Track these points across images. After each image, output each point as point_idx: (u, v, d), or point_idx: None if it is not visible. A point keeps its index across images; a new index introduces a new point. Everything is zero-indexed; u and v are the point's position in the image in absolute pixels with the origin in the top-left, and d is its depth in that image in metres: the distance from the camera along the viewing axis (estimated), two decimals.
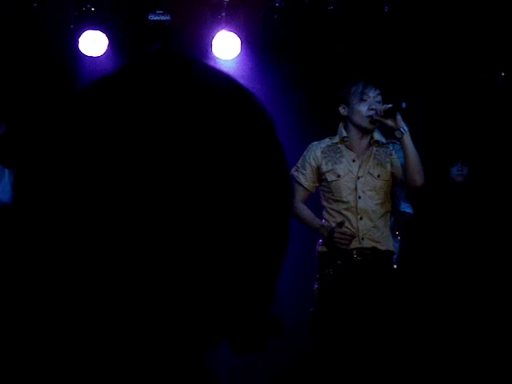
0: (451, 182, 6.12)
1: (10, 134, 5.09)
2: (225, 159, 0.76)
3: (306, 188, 4.79)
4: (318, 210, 4.90)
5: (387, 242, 4.70)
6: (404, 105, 4.54)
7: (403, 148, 4.57)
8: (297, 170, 4.83)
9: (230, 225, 0.76)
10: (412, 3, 6.26)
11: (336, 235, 4.56)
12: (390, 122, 4.57)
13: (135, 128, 0.76)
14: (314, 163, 4.78)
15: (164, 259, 0.75)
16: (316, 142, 4.87)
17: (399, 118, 4.53)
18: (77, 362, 0.78)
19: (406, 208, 5.35)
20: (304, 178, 4.79)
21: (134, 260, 0.75)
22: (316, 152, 4.80)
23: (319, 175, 4.78)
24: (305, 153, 4.85)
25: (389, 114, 4.55)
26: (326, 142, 4.84)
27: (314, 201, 4.93)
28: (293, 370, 5.90)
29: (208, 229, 0.75)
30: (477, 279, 5.77)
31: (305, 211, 4.78)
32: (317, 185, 4.82)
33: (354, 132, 4.75)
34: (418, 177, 4.56)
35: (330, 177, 4.73)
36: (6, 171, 4.99)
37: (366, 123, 4.66)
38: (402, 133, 4.54)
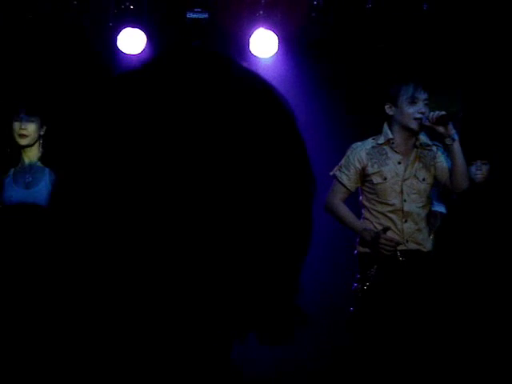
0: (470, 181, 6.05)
1: (51, 134, 5.14)
2: (246, 155, 0.77)
3: (348, 189, 4.75)
4: (354, 202, 4.89)
5: (428, 244, 4.70)
6: (460, 114, 4.55)
7: (452, 154, 4.57)
8: (339, 170, 4.79)
9: (252, 218, 0.77)
10: (451, 2, 6.20)
11: (382, 241, 4.53)
12: (441, 129, 4.54)
13: (160, 124, 0.77)
14: (358, 165, 4.74)
15: (188, 253, 0.76)
16: (360, 143, 4.82)
17: (451, 125, 4.52)
18: (93, 359, 0.78)
19: (440, 208, 5.32)
20: (347, 178, 4.75)
21: (158, 253, 0.76)
22: (361, 153, 4.75)
23: (363, 176, 4.74)
24: (348, 153, 4.80)
25: (441, 121, 4.52)
26: (371, 142, 4.80)
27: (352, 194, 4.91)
28: (326, 369, 5.88)
29: (230, 222, 0.76)
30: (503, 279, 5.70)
31: (346, 211, 4.74)
32: (358, 185, 4.79)
33: (399, 133, 4.71)
34: (464, 182, 4.61)
35: (376, 179, 4.69)
36: (47, 171, 5.04)
37: (414, 125, 4.63)
38: (453, 139, 4.54)
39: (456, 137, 4.54)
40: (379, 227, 4.60)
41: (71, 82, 6.29)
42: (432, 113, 4.55)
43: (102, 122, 0.79)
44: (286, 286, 0.82)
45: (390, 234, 4.58)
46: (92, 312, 0.77)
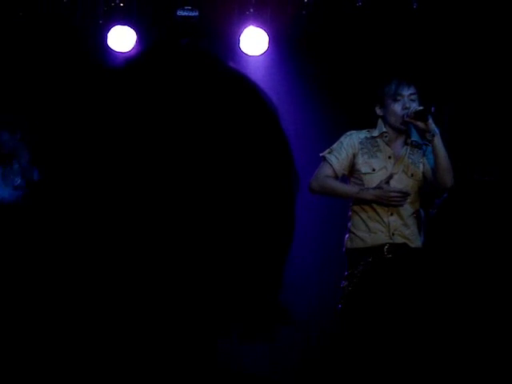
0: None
1: (37, 132, 5.12)
2: (228, 154, 0.78)
3: (335, 171, 4.72)
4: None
5: (417, 240, 4.70)
6: (433, 109, 4.53)
7: (434, 150, 4.57)
8: (330, 153, 4.76)
9: (234, 215, 0.78)
10: (441, 0, 6.21)
11: (392, 194, 4.55)
12: (420, 124, 4.56)
13: (143, 123, 0.78)
14: (350, 150, 4.74)
15: (171, 250, 0.76)
16: (355, 132, 4.83)
17: (430, 120, 4.52)
18: (79, 359, 0.79)
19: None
20: (337, 161, 4.73)
21: (142, 253, 0.76)
22: (354, 141, 4.76)
23: (352, 164, 4.75)
24: (341, 138, 4.80)
25: (419, 116, 4.54)
26: (365, 133, 4.81)
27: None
28: (316, 367, 5.89)
29: (213, 219, 0.77)
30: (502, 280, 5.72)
31: (335, 181, 4.73)
32: (345, 173, 4.77)
33: (390, 130, 4.74)
34: (447, 178, 4.59)
35: (365, 169, 4.70)
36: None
37: (399, 122, 4.65)
38: (433, 135, 4.53)
39: (437, 132, 4.54)
40: (366, 219, 4.62)
41: (59, 78, 6.28)
42: (410, 108, 4.58)
43: (84, 119, 0.80)
44: (269, 283, 0.82)
45: (376, 225, 4.60)
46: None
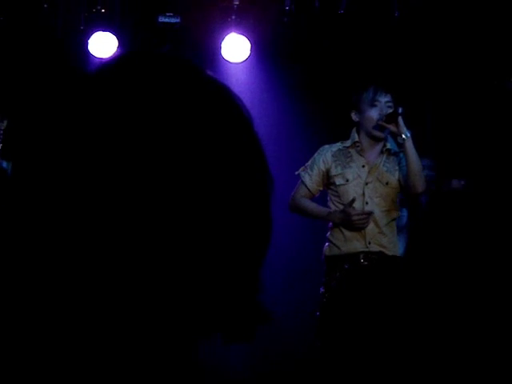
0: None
1: (12, 129, 5.11)
2: (200, 160, 0.78)
3: (309, 190, 4.79)
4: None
5: (394, 248, 4.71)
6: (400, 110, 4.56)
7: (405, 153, 4.59)
8: (304, 170, 4.83)
9: (210, 218, 0.78)
10: (422, 8, 6.25)
11: (355, 218, 4.56)
12: (392, 128, 4.59)
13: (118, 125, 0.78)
14: (322, 166, 4.78)
15: (147, 253, 0.76)
16: (327, 146, 4.87)
17: (401, 123, 4.55)
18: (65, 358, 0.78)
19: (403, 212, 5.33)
20: (309, 179, 4.79)
21: (118, 252, 0.76)
22: (326, 155, 4.80)
23: (327, 178, 4.78)
24: (315, 155, 4.85)
25: (390, 119, 4.58)
26: (338, 145, 4.84)
27: (322, 199, 4.93)
28: (295, 372, 5.89)
29: (188, 222, 0.77)
30: (481, 282, 5.75)
31: (308, 203, 4.80)
32: (321, 189, 4.83)
33: (366, 138, 4.76)
34: (418, 183, 4.59)
35: (339, 180, 4.72)
36: (5, 164, 5.02)
37: (376, 132, 4.68)
38: (404, 138, 4.56)
39: (408, 135, 4.56)
40: (344, 229, 4.64)
41: (40, 84, 6.25)
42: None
43: (57, 120, 0.80)
44: (247, 285, 0.83)
45: (353, 234, 4.62)
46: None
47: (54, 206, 0.77)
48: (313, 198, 4.86)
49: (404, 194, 4.81)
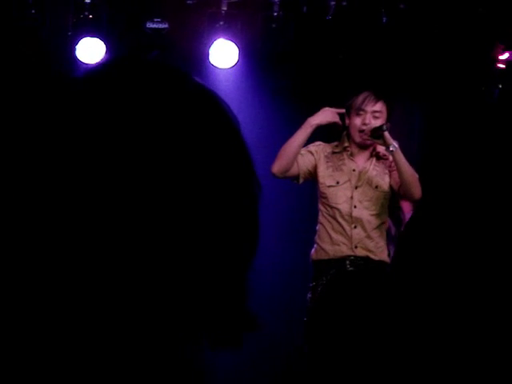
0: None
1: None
2: (187, 164, 0.79)
3: (298, 164, 4.79)
4: (313, 213, 4.92)
5: (381, 253, 4.72)
6: (384, 127, 4.59)
7: (396, 164, 4.62)
8: None
9: (196, 222, 0.78)
10: (410, 15, 6.27)
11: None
12: (380, 142, 4.63)
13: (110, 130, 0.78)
14: (314, 156, 4.81)
15: (134, 257, 0.77)
16: (323, 144, 4.90)
17: (387, 135, 4.58)
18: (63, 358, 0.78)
19: None
20: (301, 157, 4.79)
21: (105, 256, 0.77)
22: (320, 151, 4.84)
23: (316, 177, 4.77)
24: (310, 146, 4.86)
25: (375, 134, 4.62)
26: (332, 147, 4.88)
27: (310, 203, 4.93)
28: (283, 378, 5.88)
29: (176, 226, 0.77)
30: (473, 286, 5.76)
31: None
32: (306, 172, 4.81)
33: (354, 144, 4.79)
34: (414, 190, 4.62)
35: (329, 181, 4.74)
36: None
37: (357, 138, 4.72)
38: (392, 150, 4.58)
39: (396, 146, 4.59)
40: (331, 231, 4.64)
41: (27, 89, 6.23)
42: (369, 126, 4.66)
43: (42, 126, 0.80)
44: (234, 290, 0.83)
45: (339, 237, 4.63)
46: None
47: (49, 208, 0.77)
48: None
49: (401, 199, 4.87)
